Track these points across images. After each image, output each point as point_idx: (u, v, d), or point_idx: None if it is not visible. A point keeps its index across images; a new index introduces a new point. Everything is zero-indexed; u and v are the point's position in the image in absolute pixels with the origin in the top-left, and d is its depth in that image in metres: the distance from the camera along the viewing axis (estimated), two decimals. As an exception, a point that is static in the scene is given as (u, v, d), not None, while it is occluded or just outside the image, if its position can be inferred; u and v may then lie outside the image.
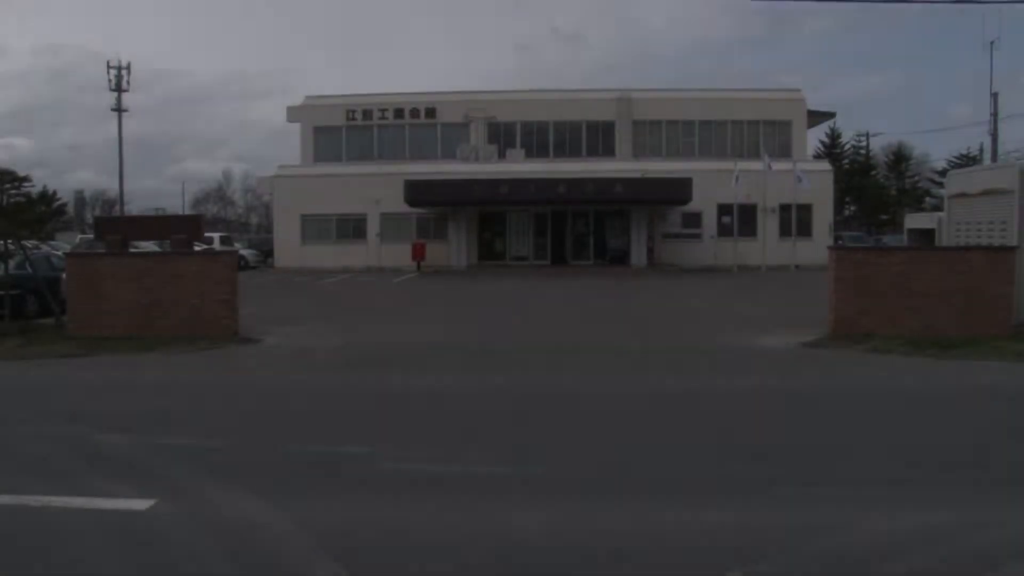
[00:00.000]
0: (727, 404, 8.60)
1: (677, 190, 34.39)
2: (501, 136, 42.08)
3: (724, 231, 37.28)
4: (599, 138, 42.21)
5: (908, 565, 4.15)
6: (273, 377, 10.60)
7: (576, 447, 6.74)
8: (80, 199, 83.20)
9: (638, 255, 36.99)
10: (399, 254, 37.84)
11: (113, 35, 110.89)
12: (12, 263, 15.64)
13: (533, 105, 41.99)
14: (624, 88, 42.63)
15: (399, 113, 42.58)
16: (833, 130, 62.78)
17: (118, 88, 47.96)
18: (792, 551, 4.32)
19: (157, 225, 20.57)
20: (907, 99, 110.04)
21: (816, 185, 36.45)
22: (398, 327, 15.83)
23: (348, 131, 42.92)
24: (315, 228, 39.96)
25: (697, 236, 38.44)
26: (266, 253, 43.61)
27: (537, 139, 42.27)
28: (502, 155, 40.76)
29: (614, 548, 4.41)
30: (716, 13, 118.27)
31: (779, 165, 35.76)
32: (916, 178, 65.29)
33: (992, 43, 43.03)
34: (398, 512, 5.02)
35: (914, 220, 25.85)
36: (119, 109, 48.25)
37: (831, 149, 61.89)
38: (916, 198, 62.07)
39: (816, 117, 46.22)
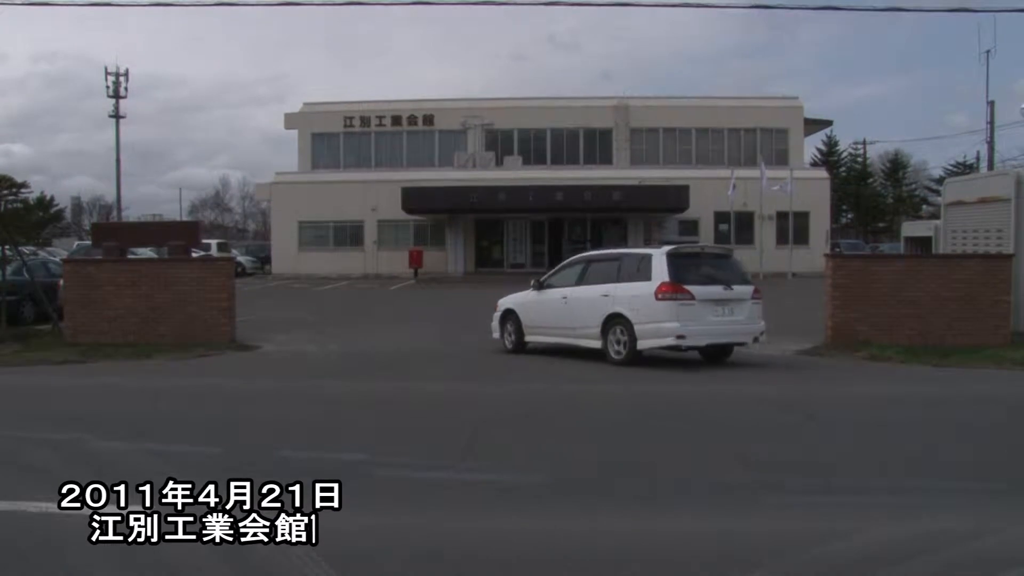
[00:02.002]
0: (723, 412, 8.61)
1: (674, 198, 34.47)
2: (499, 143, 42.15)
3: (721, 239, 37.33)
4: (597, 146, 42.29)
5: (904, 573, 4.15)
6: (270, 383, 10.59)
7: (575, 453, 6.73)
8: (77, 205, 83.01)
9: (635, 262, 37.04)
10: (396, 261, 37.86)
11: (111, 41, 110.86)
12: (9, 269, 15.63)
13: (531, 113, 42.08)
14: (622, 96, 42.77)
15: (397, 120, 42.63)
16: (830, 138, 62.97)
17: (116, 94, 47.90)
18: (788, 559, 4.32)
19: (154, 231, 20.59)
20: (904, 107, 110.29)
21: (813, 193, 36.53)
22: (395, 334, 15.83)
23: (346, 138, 42.97)
24: (312, 235, 39.98)
25: (694, 244, 38.49)
26: (263, 260, 43.61)
27: (534, 146, 42.34)
28: (499, 162, 40.82)
29: (613, 556, 4.41)
30: (713, 21, 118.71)
31: (775, 173, 35.84)
32: (913, 186, 65.45)
33: (988, 52, 43.11)
34: (395, 518, 5.01)
35: (911, 228, 25.92)
36: (117, 115, 48.19)
37: (828, 157, 61.94)
38: (913, 206, 62.22)
39: (813, 125, 46.37)
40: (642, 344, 11.04)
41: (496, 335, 13.49)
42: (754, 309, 11.52)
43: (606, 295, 11.47)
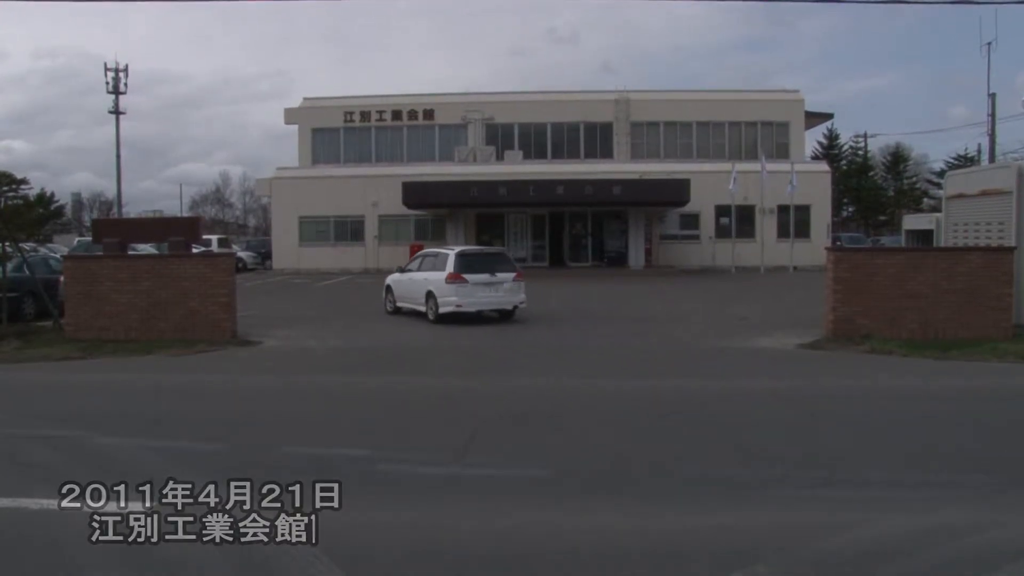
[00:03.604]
0: (724, 406, 8.60)
1: (675, 191, 34.36)
2: (499, 138, 42.04)
3: (722, 232, 37.27)
4: (597, 139, 42.18)
5: (905, 567, 4.14)
6: (271, 379, 10.58)
7: (576, 449, 6.73)
8: (78, 201, 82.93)
9: (636, 257, 36.97)
10: (397, 256, 37.73)
11: (112, 38, 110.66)
12: (10, 265, 15.61)
13: (531, 106, 41.96)
14: (622, 89, 42.61)
15: (397, 115, 42.53)
16: (831, 131, 62.73)
17: (116, 90, 47.81)
18: (791, 553, 4.32)
19: (155, 227, 20.50)
20: (905, 100, 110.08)
21: (814, 186, 36.46)
22: (396, 329, 15.83)
23: (346, 133, 42.87)
24: (313, 230, 39.91)
25: (695, 237, 38.41)
26: (264, 255, 43.56)
27: (535, 140, 42.24)
28: (500, 157, 40.72)
29: (615, 551, 4.41)
30: (714, 14, 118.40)
31: (776, 166, 35.76)
32: (914, 179, 65.26)
33: (989, 44, 42.95)
34: (396, 514, 5.01)
35: (912, 221, 25.88)
36: (116, 111, 48.10)
37: (829, 150, 61.77)
38: (914, 199, 62.07)
39: (814, 118, 46.21)
40: (442, 310, 16.14)
41: (383, 301, 18.82)
42: (515, 287, 16.52)
43: (426, 279, 16.83)
